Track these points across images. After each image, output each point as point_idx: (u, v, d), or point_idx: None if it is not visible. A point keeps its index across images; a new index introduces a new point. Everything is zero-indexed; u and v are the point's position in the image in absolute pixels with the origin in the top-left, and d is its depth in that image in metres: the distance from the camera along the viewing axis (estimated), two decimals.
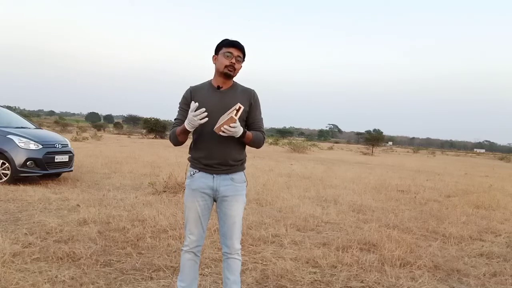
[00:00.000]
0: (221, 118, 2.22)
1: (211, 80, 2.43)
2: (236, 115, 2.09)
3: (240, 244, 2.47)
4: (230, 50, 2.30)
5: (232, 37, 2.36)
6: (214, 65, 2.39)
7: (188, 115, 2.19)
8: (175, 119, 2.44)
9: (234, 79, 2.43)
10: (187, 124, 2.21)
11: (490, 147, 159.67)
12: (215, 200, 2.43)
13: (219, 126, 2.15)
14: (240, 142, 2.35)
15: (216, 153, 2.31)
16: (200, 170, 2.37)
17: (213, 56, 2.37)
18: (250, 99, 2.40)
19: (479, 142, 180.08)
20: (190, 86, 2.44)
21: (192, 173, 2.40)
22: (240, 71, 2.41)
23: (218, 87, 2.37)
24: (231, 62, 2.29)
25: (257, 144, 2.42)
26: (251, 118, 2.42)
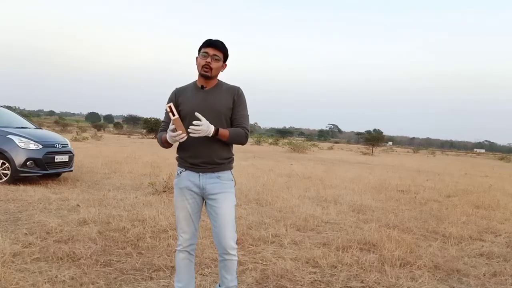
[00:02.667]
0: (172, 126, 2.25)
1: (196, 80, 2.46)
2: (173, 115, 2.16)
3: (236, 243, 2.44)
4: (206, 50, 2.31)
5: (215, 37, 2.37)
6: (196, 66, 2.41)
7: (168, 133, 2.24)
8: (162, 121, 2.49)
9: (220, 78, 2.44)
10: (168, 139, 2.27)
11: (490, 147, 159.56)
12: (203, 199, 2.44)
13: (180, 132, 2.19)
14: (224, 141, 2.34)
15: (201, 152, 2.32)
16: (187, 168, 2.40)
17: (196, 57, 2.40)
18: (233, 96, 2.40)
19: (479, 142, 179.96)
20: (175, 88, 2.47)
21: (179, 172, 2.43)
22: (225, 70, 2.41)
23: (202, 87, 2.39)
24: (207, 62, 2.30)
25: (237, 140, 2.38)
26: (234, 115, 2.42)
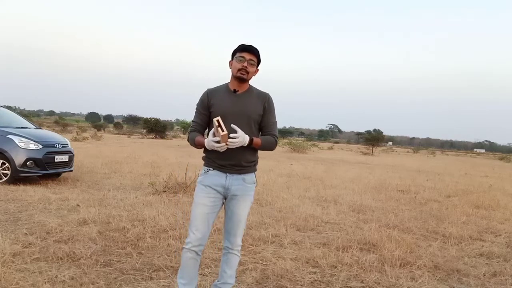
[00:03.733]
0: (212, 135, 2.32)
1: (228, 83, 2.53)
2: (223, 130, 2.21)
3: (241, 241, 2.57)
4: (243, 55, 2.40)
5: (246, 42, 2.45)
6: (230, 70, 2.48)
7: (209, 142, 2.31)
8: (193, 121, 2.56)
9: (250, 82, 2.52)
10: (207, 145, 2.35)
11: (490, 147, 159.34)
12: (225, 198, 2.51)
13: (223, 145, 2.26)
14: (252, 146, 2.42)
15: (230, 154, 2.39)
16: (215, 168, 2.46)
17: (229, 61, 2.49)
18: (264, 103, 2.50)
19: (479, 142, 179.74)
20: (208, 89, 2.53)
21: (206, 170, 2.50)
22: (257, 75, 2.50)
23: (235, 91, 2.47)
24: (243, 66, 2.39)
25: (268, 148, 2.50)
26: (263, 122, 2.51)
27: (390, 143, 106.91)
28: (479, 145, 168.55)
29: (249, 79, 2.47)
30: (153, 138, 38.47)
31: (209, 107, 2.47)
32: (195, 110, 2.55)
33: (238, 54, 2.42)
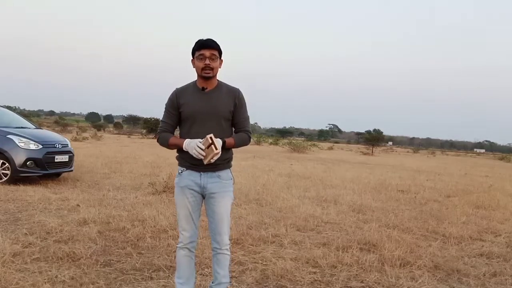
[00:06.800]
0: (199, 144, 2.26)
1: (195, 81, 2.46)
2: (216, 148, 2.19)
3: (229, 239, 2.54)
4: (202, 52, 2.32)
5: (205, 36, 2.34)
6: (194, 69, 2.41)
7: (193, 148, 2.25)
8: (162, 121, 2.49)
9: (219, 78, 2.46)
10: (186, 148, 2.30)
11: (490, 147, 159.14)
12: (203, 197, 2.48)
13: (208, 160, 2.25)
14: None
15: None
16: (188, 168, 2.43)
17: (191, 60, 2.41)
18: (235, 99, 2.44)
19: (479, 142, 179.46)
20: (176, 88, 2.47)
21: (180, 171, 2.47)
22: (223, 66, 2.42)
23: (203, 88, 2.40)
24: (205, 64, 2.31)
25: (242, 145, 2.47)
26: (235, 118, 2.46)
27: (390, 143, 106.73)
28: (479, 145, 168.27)
29: (215, 75, 2.39)
30: (153, 138, 38.47)
31: (179, 107, 2.40)
32: (165, 110, 2.47)
33: (197, 53, 2.32)
